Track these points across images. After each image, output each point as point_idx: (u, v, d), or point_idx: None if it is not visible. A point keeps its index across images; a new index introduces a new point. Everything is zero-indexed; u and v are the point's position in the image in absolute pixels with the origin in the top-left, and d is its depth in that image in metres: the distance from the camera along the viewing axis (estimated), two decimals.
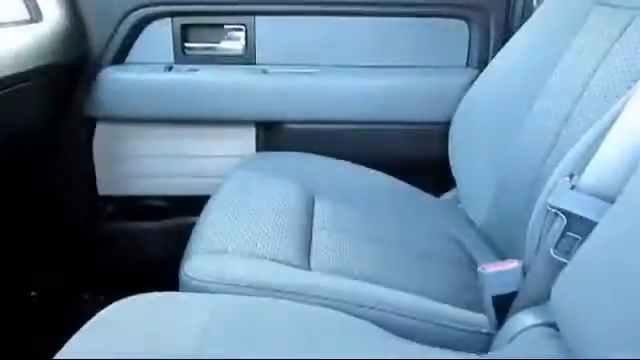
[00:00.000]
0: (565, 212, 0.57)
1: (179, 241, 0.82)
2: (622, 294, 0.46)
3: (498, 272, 0.65)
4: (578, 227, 0.56)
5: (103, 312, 0.57)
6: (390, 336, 0.60)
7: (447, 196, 1.16)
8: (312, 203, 0.96)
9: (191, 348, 0.50)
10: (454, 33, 1.21)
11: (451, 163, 1.12)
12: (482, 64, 1.16)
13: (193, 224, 0.87)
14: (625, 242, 0.49)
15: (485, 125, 1.04)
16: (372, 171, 1.13)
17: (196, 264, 0.69)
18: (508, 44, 1.04)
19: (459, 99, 1.13)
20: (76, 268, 1.25)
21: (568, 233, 0.57)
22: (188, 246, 0.77)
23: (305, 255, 0.77)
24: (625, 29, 0.78)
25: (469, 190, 1.07)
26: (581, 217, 0.56)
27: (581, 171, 0.59)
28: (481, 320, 0.67)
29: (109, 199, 1.26)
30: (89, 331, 0.55)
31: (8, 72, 0.91)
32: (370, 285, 0.69)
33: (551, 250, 0.58)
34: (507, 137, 0.94)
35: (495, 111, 1.02)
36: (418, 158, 1.19)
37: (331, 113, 1.19)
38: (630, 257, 0.47)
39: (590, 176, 0.57)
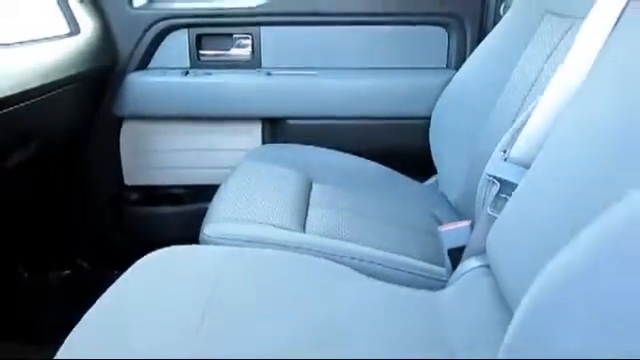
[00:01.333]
0: (498, 179, 0.75)
1: (194, 224, 0.96)
2: (529, 237, 0.63)
3: (452, 230, 0.82)
4: (507, 190, 0.74)
5: (141, 260, 0.75)
6: (366, 278, 0.77)
7: (429, 181, 1.33)
8: (310, 186, 1.13)
9: (212, 281, 0.68)
10: (435, 39, 1.39)
11: (432, 152, 1.29)
12: (460, 65, 1.32)
13: (206, 209, 1.01)
14: (533, 197, 0.66)
15: (459, 119, 1.22)
16: (364, 160, 1.31)
17: (213, 227, 0.88)
18: (478, 49, 1.22)
19: (439, 96, 1.31)
20: (104, 248, 1.43)
21: (500, 195, 0.75)
22: (206, 217, 0.95)
23: (301, 224, 0.95)
24: (563, 36, 0.95)
25: (447, 175, 1.24)
26: (509, 182, 0.73)
27: (511, 146, 0.76)
28: (441, 271, 0.85)
29: (133, 188, 1.45)
30: (131, 275, 0.73)
31: (53, 78, 1.09)
32: (353, 244, 0.87)
33: (488, 209, 0.75)
34: (476, 129, 1.11)
35: (467, 106, 1.19)
36: (404, 148, 1.36)
37: (327, 110, 1.37)
38: (536, 209, 0.64)
39: (516, 150, 0.75)
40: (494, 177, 0.76)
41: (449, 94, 1.27)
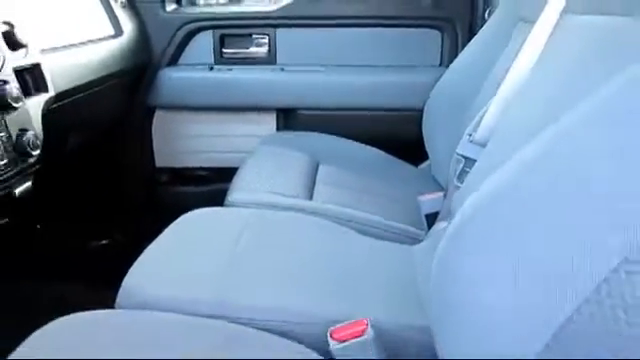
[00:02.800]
0: (464, 156, 0.95)
1: (217, 202, 1.12)
2: (480, 200, 0.83)
3: (428, 199, 1.03)
4: (470, 165, 0.94)
5: (180, 218, 0.97)
6: (360, 235, 0.98)
7: (422, 166, 1.53)
8: (317, 167, 1.34)
9: (238, 229, 0.89)
10: (430, 40, 1.59)
11: (425, 140, 1.49)
12: (451, 63, 1.53)
13: (227, 189, 1.18)
14: (486, 169, 0.86)
15: (448, 110, 1.41)
16: (365, 146, 1.51)
17: (236, 195, 1.09)
18: (465, 49, 1.41)
19: (432, 90, 1.51)
20: (137, 222, 1.65)
21: (465, 169, 0.95)
22: (229, 189, 1.16)
23: (309, 196, 1.16)
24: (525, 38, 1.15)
25: (437, 160, 1.44)
26: (471, 158, 0.94)
27: (476, 130, 0.96)
28: (420, 232, 1.05)
29: (163, 170, 1.67)
30: (174, 227, 0.94)
31: (100, 74, 1.31)
32: (351, 209, 1.08)
33: (455, 180, 0.96)
34: (462, 119, 1.31)
35: (454, 100, 1.39)
36: (401, 136, 1.55)
37: (334, 102, 1.57)
38: (487, 178, 0.84)
39: (479, 133, 0.95)
40: (461, 155, 0.96)
41: (440, 89, 1.46)
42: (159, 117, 1.62)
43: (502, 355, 0.50)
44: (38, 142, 0.91)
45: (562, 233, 0.48)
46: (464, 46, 1.52)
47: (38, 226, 1.57)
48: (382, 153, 1.50)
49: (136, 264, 0.79)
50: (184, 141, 1.64)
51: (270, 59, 1.61)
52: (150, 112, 1.61)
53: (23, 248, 1.40)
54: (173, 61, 1.59)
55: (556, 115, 0.67)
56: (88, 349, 0.62)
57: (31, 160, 0.90)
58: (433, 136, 1.47)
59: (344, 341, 0.64)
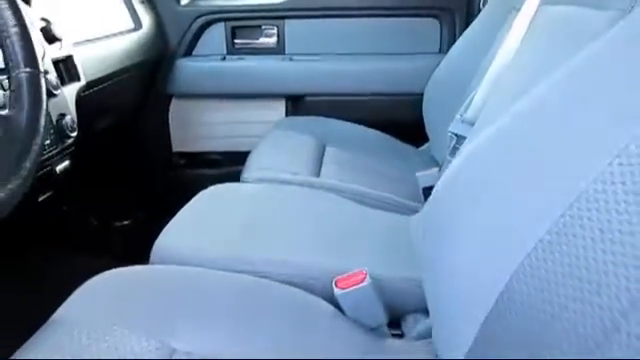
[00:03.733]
0: (455, 134, 1.06)
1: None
2: (459, 163, 0.94)
3: (425, 174, 1.14)
4: (461, 142, 1.05)
5: (200, 192, 1.08)
6: (362, 206, 1.09)
7: (422, 147, 1.64)
8: (324, 149, 1.45)
9: (253, 201, 1.01)
10: (429, 28, 1.69)
11: (425, 122, 1.60)
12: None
13: (240, 171, 1.29)
14: (473, 146, 0.97)
15: (446, 94, 1.52)
16: (369, 129, 1.62)
17: (250, 173, 1.21)
18: (461, 37, 1.52)
19: (431, 76, 1.61)
20: (157, 202, 1.77)
21: (456, 146, 1.06)
22: (244, 168, 1.27)
23: (316, 173, 1.27)
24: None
25: (436, 141, 1.55)
26: (462, 136, 1.05)
27: (467, 111, 1.07)
28: (418, 205, 1.17)
29: (180, 154, 1.79)
30: (196, 200, 1.06)
31: (123, 65, 1.43)
32: (355, 185, 1.19)
33: (448, 156, 1.07)
34: (458, 102, 1.42)
35: (451, 84, 1.49)
36: (403, 120, 1.67)
37: (339, 88, 1.69)
38: (476, 152, 0.95)
39: (469, 112, 1.06)
40: (453, 133, 1.07)
41: (438, 74, 1.57)
42: (175, 104, 1.74)
43: (468, 299, 0.61)
44: (74, 125, 1.03)
45: (520, 193, 0.59)
46: (461, 34, 1.62)
47: (65, 207, 1.70)
48: (385, 135, 1.61)
49: (166, 229, 0.91)
50: (199, 127, 1.76)
51: (279, 49, 1.72)
52: (167, 100, 1.73)
53: (53, 225, 1.52)
54: (188, 52, 1.71)
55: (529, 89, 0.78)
56: (130, 298, 0.74)
57: (69, 141, 1.02)
58: (432, 119, 1.58)
59: (346, 288, 0.75)
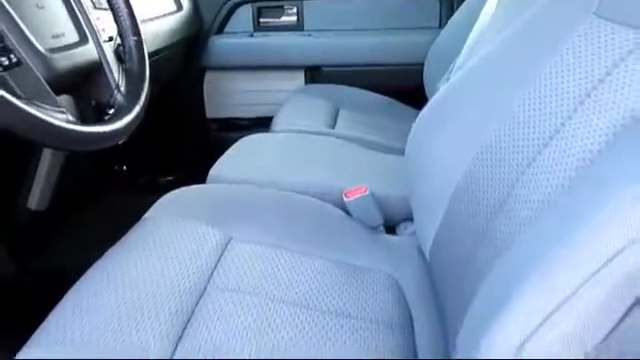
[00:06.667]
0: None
1: None
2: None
3: None
4: None
5: (240, 140, 1.39)
6: (368, 150, 1.39)
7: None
8: (338, 111, 1.75)
9: (280, 145, 1.32)
10: (430, 5, 1.97)
11: (425, 88, 1.88)
12: None
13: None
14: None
15: (443, 62, 1.80)
16: (377, 94, 1.92)
17: (277, 126, 1.52)
18: (457, 12, 1.80)
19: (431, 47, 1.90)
20: (192, 167, 2.08)
21: None
22: (272, 124, 1.58)
23: (332, 126, 1.58)
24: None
25: None
26: None
27: (452, 72, 1.36)
28: None
29: (213, 120, 2.11)
30: (233, 147, 1.37)
31: (168, 42, 1.73)
32: (361, 134, 1.49)
33: None
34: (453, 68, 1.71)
35: (448, 53, 1.77)
36: (407, 86, 1.95)
37: (351, 59, 1.98)
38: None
39: (454, 73, 1.35)
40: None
41: (437, 45, 1.85)
42: (209, 76, 2.05)
43: (432, 200, 0.91)
44: None
45: (467, 122, 0.89)
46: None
47: (116, 167, 2.03)
48: (390, 99, 1.91)
49: (217, 163, 1.23)
50: (229, 96, 2.07)
51: (299, 26, 2.02)
52: (202, 72, 2.04)
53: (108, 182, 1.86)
54: (220, 30, 2.02)
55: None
56: (196, 204, 1.06)
57: None
58: (431, 84, 1.86)
59: (352, 197, 1.06)
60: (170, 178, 2.08)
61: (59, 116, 0.64)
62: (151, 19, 1.63)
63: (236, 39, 2.01)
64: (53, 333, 0.71)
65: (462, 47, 1.64)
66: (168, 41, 1.72)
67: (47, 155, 1.05)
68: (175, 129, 2.09)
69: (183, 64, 1.99)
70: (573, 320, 0.46)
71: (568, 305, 0.46)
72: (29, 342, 0.72)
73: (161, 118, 2.05)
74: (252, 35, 2.01)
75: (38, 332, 0.73)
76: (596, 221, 0.47)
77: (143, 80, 0.90)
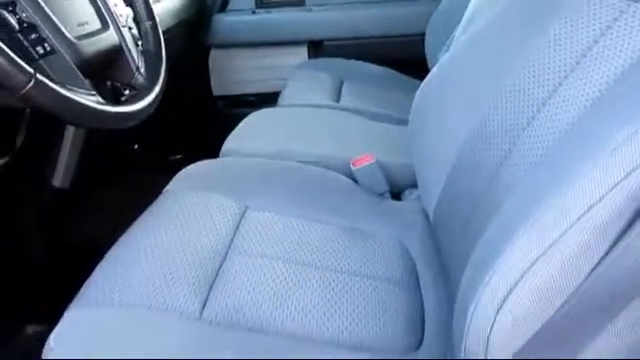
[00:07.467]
0: None
1: None
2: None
3: None
4: None
5: (249, 115, 1.46)
6: (372, 121, 1.46)
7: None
8: (342, 84, 1.81)
9: (288, 118, 1.39)
10: None
11: (427, 59, 1.93)
12: None
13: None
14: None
15: (443, 33, 1.85)
16: (379, 66, 1.97)
17: (284, 101, 1.58)
18: None
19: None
20: (201, 145, 2.14)
21: None
22: (279, 99, 1.64)
23: (337, 101, 1.64)
24: None
25: None
26: None
27: (451, 44, 1.42)
28: None
29: (220, 97, 2.17)
30: (244, 121, 1.43)
31: (173, 22, 1.78)
32: (365, 106, 1.55)
33: None
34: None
35: (448, 23, 1.82)
36: (409, 57, 1.99)
37: (352, 33, 2.03)
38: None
39: (452, 45, 1.40)
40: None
41: (436, 16, 1.89)
42: (214, 54, 2.11)
43: (437, 163, 0.98)
44: None
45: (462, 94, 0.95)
46: None
47: (128, 147, 2.10)
48: (393, 71, 1.96)
49: (229, 138, 1.29)
50: (235, 73, 2.13)
51: (300, 1, 2.06)
52: (207, 51, 2.10)
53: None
54: (223, 8, 2.06)
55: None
56: (212, 176, 1.13)
57: None
58: (433, 55, 1.91)
59: (359, 165, 1.13)
60: (179, 156, 2.15)
61: (91, 98, 0.71)
62: (156, 0, 1.68)
63: (239, 16, 2.05)
64: (93, 297, 0.78)
65: (462, 17, 1.70)
66: (172, 21, 1.77)
67: (69, 135, 1.12)
68: (183, 108, 2.14)
69: (188, 43, 2.03)
70: (557, 266, 0.53)
71: (552, 250, 0.53)
72: (70, 307, 0.79)
73: (169, 97, 2.11)
74: (254, 12, 2.06)
75: (77, 297, 0.81)
76: (579, 172, 0.54)
77: (160, 61, 0.97)
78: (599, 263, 0.53)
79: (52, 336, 0.73)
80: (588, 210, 0.52)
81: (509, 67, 0.82)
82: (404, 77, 1.94)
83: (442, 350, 0.78)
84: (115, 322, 0.75)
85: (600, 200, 0.52)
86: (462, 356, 0.60)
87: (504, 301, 0.55)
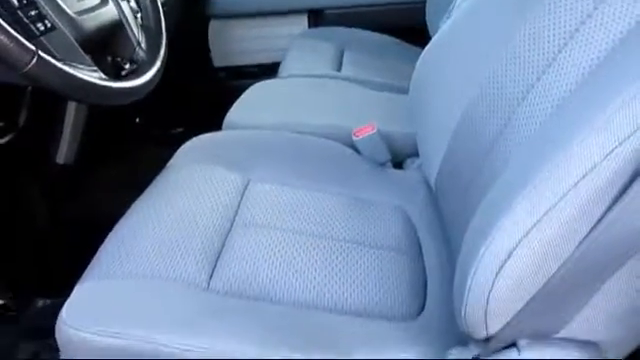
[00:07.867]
0: None
1: None
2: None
3: None
4: None
5: (250, 88, 1.46)
6: (373, 91, 1.46)
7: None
8: (343, 52, 1.80)
9: (290, 91, 1.39)
10: None
11: (428, 27, 1.92)
12: None
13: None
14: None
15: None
16: (381, 34, 1.96)
17: (284, 71, 1.58)
18: None
19: None
20: (201, 109, 2.15)
21: None
22: (279, 69, 1.64)
23: (338, 69, 1.64)
24: None
25: None
26: None
27: (451, 12, 1.41)
28: None
29: (221, 69, 2.16)
30: (246, 93, 1.44)
31: None
32: (366, 76, 1.55)
33: None
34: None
35: None
36: (410, 25, 1.98)
37: (353, 0, 2.01)
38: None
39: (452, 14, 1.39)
40: None
41: None
42: (213, 25, 2.09)
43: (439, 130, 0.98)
44: None
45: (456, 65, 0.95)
46: None
47: (130, 121, 2.11)
48: (394, 39, 1.95)
49: (230, 111, 1.30)
50: (235, 43, 2.12)
51: None
52: (206, 20, 2.08)
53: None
54: None
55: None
56: (216, 149, 1.14)
57: None
58: (434, 23, 1.90)
59: (361, 136, 1.14)
60: (181, 129, 2.16)
61: (93, 74, 0.71)
62: None
63: None
64: (104, 269, 0.81)
65: None
66: None
67: (72, 111, 1.13)
68: (184, 80, 2.14)
69: (187, 14, 2.02)
70: (554, 231, 0.55)
71: (549, 216, 0.54)
72: (81, 279, 0.82)
73: (170, 70, 2.11)
74: None
75: (88, 270, 0.83)
76: (577, 139, 0.55)
77: (160, 34, 0.97)
78: (595, 227, 0.54)
79: (64, 308, 0.75)
80: (584, 176, 0.54)
81: (509, 34, 0.83)
82: (405, 45, 1.93)
83: (444, 315, 0.80)
84: (125, 293, 0.78)
85: (596, 166, 0.53)
86: (462, 320, 0.63)
87: (502, 266, 0.57)
